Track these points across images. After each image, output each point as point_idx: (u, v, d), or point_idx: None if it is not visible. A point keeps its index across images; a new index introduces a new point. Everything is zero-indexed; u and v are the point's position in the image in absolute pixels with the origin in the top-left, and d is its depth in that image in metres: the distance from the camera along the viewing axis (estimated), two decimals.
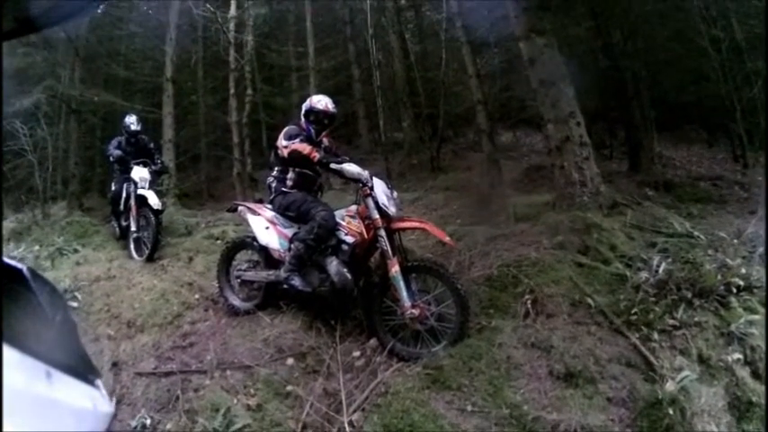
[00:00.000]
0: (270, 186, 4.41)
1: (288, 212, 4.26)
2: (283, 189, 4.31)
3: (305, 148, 4.02)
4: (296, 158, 4.11)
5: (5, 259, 1.40)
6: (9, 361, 0.93)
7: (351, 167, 3.86)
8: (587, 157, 5.51)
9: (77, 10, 1.20)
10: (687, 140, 10.35)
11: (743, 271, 3.96)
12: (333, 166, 3.92)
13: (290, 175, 4.29)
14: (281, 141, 4.22)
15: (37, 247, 6.81)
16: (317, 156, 3.96)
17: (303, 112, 4.43)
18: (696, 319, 3.58)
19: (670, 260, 4.29)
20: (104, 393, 1.48)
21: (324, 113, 4.40)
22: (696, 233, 5.04)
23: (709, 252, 4.57)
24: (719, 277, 3.87)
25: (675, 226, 5.20)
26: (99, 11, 11.76)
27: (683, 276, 3.89)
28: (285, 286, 4.12)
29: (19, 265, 1.43)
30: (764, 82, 7.30)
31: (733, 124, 8.90)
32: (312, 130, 4.40)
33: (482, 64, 10.69)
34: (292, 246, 4.07)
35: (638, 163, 8.24)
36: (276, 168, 4.37)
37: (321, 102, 4.42)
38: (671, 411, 2.87)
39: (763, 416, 3.06)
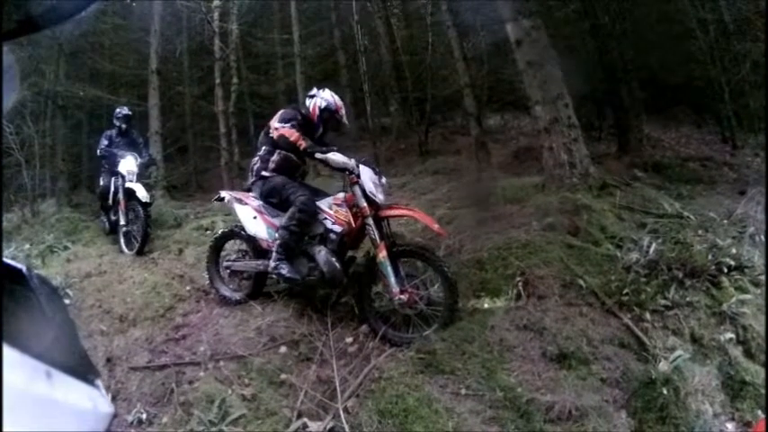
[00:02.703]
0: (252, 169, 4.37)
1: (270, 199, 4.23)
2: (264, 173, 4.25)
3: (292, 134, 3.97)
4: (283, 143, 4.07)
5: (5, 259, 1.38)
6: (9, 361, 0.91)
7: (336, 157, 3.82)
8: (576, 139, 5.51)
9: (78, 9, 1.18)
10: (676, 122, 10.36)
11: (733, 251, 4.01)
12: (318, 155, 3.89)
13: (275, 157, 4.24)
14: (275, 122, 4.18)
15: (27, 246, 6.80)
16: (303, 144, 3.92)
17: (319, 105, 4.34)
18: (688, 299, 3.61)
19: (660, 241, 4.34)
20: (104, 393, 1.47)
21: (338, 120, 4.40)
22: (686, 214, 5.06)
23: (700, 232, 4.61)
24: (710, 257, 3.92)
25: (665, 207, 5.22)
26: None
27: (673, 257, 3.94)
28: (274, 276, 4.11)
29: (19, 265, 1.41)
30: (765, 72, 7.29)
31: (721, 105, 8.92)
32: (321, 128, 4.38)
33: (469, 47, 10.63)
34: (277, 234, 4.05)
35: (627, 144, 8.24)
36: (263, 148, 4.31)
37: (341, 110, 4.38)
38: (665, 391, 2.89)
39: (757, 394, 3.09)
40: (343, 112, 4.39)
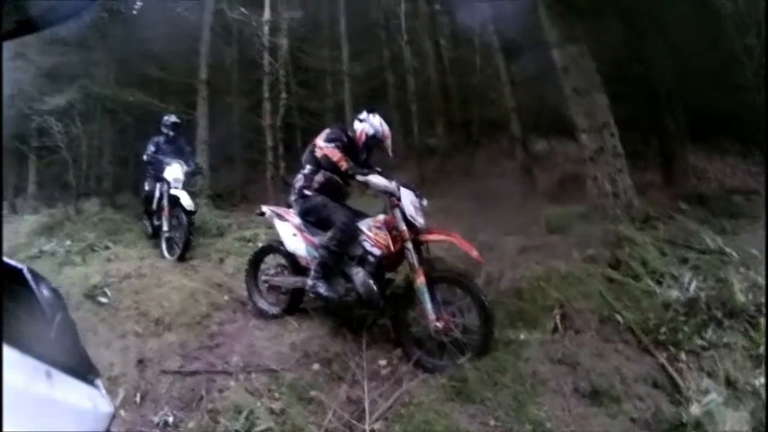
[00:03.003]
0: (295, 187, 4.41)
1: (308, 217, 4.27)
2: (306, 192, 4.29)
3: (335, 154, 4.05)
4: (326, 162, 4.14)
5: (5, 259, 1.43)
6: (9, 361, 0.95)
7: (377, 180, 3.87)
8: (621, 169, 5.44)
9: (77, 10, 1.23)
10: (721, 152, 10.06)
11: None
12: (359, 177, 3.95)
13: (318, 176, 4.27)
14: (320, 141, 4.24)
15: (68, 242, 6.96)
16: (345, 165, 3.99)
17: (367, 131, 4.37)
18: (725, 339, 3.51)
19: (701, 278, 4.21)
20: (104, 393, 1.50)
21: (383, 150, 4.47)
22: (728, 250, 4.88)
23: (741, 270, 4.43)
24: (750, 297, 3.79)
25: (708, 242, 5.06)
26: (134, 12, 11.99)
27: (713, 295, 3.82)
28: (311, 294, 4.15)
29: (19, 265, 1.45)
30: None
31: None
32: (365, 153, 4.43)
33: (516, 71, 10.58)
34: (317, 252, 4.10)
35: (671, 175, 8.07)
36: (308, 167, 4.35)
37: (388, 140, 4.43)
38: None
39: None
40: (389, 142, 4.43)
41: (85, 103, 10.85)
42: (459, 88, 11.74)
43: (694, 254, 4.82)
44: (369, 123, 4.37)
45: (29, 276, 1.43)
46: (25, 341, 1.09)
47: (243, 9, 10.43)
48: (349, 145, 4.28)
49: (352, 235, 4.00)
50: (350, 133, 4.40)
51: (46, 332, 1.35)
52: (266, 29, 10.64)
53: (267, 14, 10.65)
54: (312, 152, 4.34)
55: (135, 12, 12.33)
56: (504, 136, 10.58)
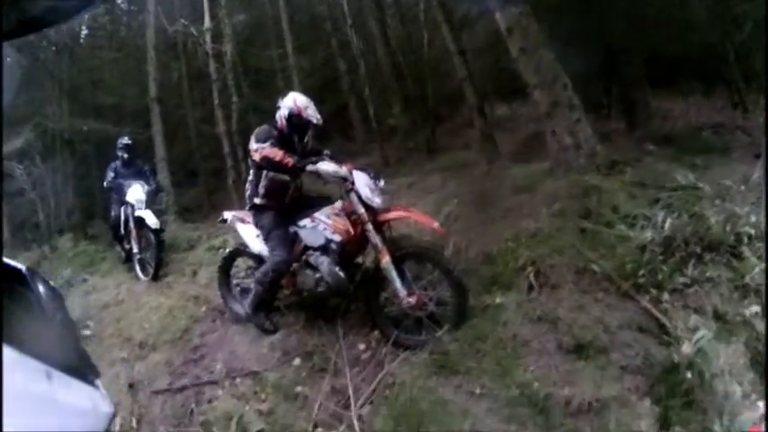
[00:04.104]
0: (246, 196, 4.28)
1: (260, 231, 4.20)
2: (256, 201, 4.15)
3: (276, 153, 3.78)
4: (268, 164, 3.90)
5: (5, 259, 1.39)
6: (9, 361, 0.91)
7: (326, 167, 3.70)
8: (579, 119, 5.38)
9: (77, 9, 1.17)
10: (683, 92, 10.10)
11: (752, 219, 3.79)
12: (309, 168, 3.74)
13: (263, 181, 4.10)
14: (252, 144, 3.97)
15: None
16: (290, 161, 3.74)
17: (284, 115, 4.09)
18: (708, 274, 3.45)
19: (675, 215, 4.15)
20: (104, 393, 1.47)
21: (309, 121, 4.08)
22: (701, 184, 4.87)
23: (716, 202, 4.38)
24: (728, 228, 3.73)
25: (679, 179, 5.02)
26: (80, 42, 11.86)
27: (690, 231, 3.76)
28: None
29: (19, 266, 1.43)
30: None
31: (727, 70, 8.68)
32: (295, 138, 4.12)
33: (467, 40, 10.53)
34: (252, 286, 4.11)
35: (634, 120, 8.05)
36: (251, 172, 4.22)
37: (307, 110, 4.07)
38: (689, 375, 2.76)
39: None
40: (310, 110, 4.08)
41: (42, 139, 10.78)
42: (409, 65, 11.65)
43: (666, 193, 4.77)
44: (282, 107, 4.11)
45: (29, 276, 1.40)
46: (25, 341, 1.09)
47: (182, 20, 10.26)
48: (281, 138, 4.02)
49: (284, 273, 4.01)
50: (277, 126, 4.13)
51: (46, 332, 1.33)
52: (208, 37, 10.48)
53: (207, 22, 10.49)
54: (251, 158, 4.13)
55: (81, 41, 12.20)
56: (464, 106, 10.55)
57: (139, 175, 7.17)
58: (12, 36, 1.13)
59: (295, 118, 4.06)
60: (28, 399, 0.97)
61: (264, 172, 4.07)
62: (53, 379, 1.09)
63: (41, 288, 1.46)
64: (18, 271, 1.41)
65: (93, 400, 1.33)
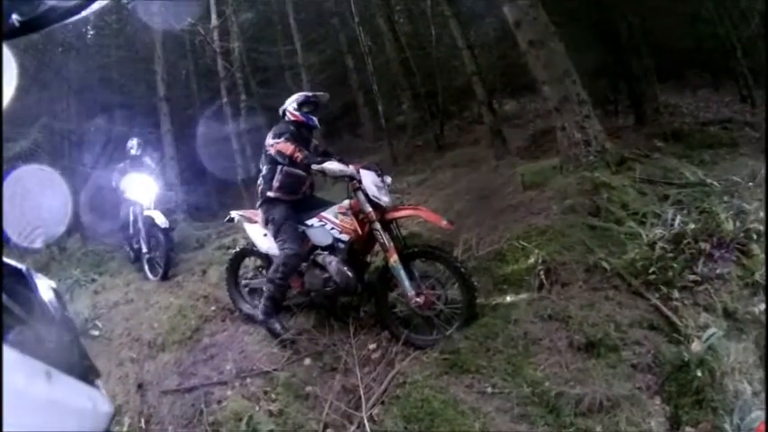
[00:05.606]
0: (257, 191, 4.34)
1: (269, 226, 4.21)
2: (269, 194, 4.20)
3: (288, 147, 3.92)
4: (281, 158, 4.03)
5: (5, 259, 1.38)
6: (9, 361, 0.91)
7: (332, 166, 3.75)
8: (588, 115, 5.36)
9: (77, 9, 1.17)
10: (691, 86, 10.05)
11: (761, 215, 3.78)
12: (315, 167, 3.81)
13: (277, 175, 4.17)
14: (269, 140, 4.12)
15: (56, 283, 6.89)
16: (299, 156, 3.86)
17: (293, 107, 4.28)
18: (717, 271, 3.45)
19: (685, 212, 4.16)
20: (104, 393, 1.47)
21: (318, 100, 4.33)
22: (710, 180, 4.85)
23: (725, 198, 4.38)
24: (738, 224, 3.72)
25: (687, 175, 5.02)
26: (87, 41, 11.83)
27: (699, 227, 3.74)
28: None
29: (19, 265, 1.42)
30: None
31: (735, 64, 8.61)
32: (312, 119, 4.29)
33: (475, 35, 10.48)
34: (264, 288, 4.10)
35: (643, 115, 8.00)
36: (265, 167, 4.27)
37: (308, 92, 4.35)
38: (699, 373, 2.76)
39: None
40: (313, 92, 4.38)
41: (50, 141, 10.72)
42: (418, 61, 11.57)
43: (675, 189, 4.77)
44: (288, 104, 4.33)
45: (29, 276, 1.39)
46: (25, 341, 1.08)
47: (190, 19, 10.23)
48: (298, 132, 4.17)
49: (295, 267, 4.00)
50: (292, 121, 4.28)
51: (46, 332, 1.33)
52: (216, 35, 10.46)
53: (214, 20, 10.46)
54: (266, 153, 4.23)
55: (88, 41, 12.18)
56: (473, 102, 10.52)
57: (147, 173, 7.13)
58: (12, 36, 1.11)
59: (305, 104, 4.30)
60: (28, 399, 0.96)
61: (279, 166, 4.14)
62: (53, 379, 1.08)
63: (41, 288, 1.46)
64: (18, 270, 1.41)
65: (93, 400, 1.32)
